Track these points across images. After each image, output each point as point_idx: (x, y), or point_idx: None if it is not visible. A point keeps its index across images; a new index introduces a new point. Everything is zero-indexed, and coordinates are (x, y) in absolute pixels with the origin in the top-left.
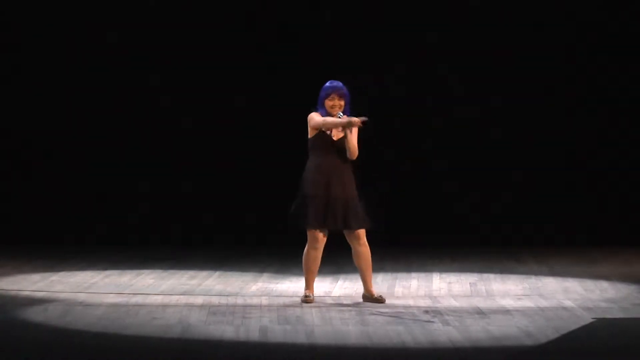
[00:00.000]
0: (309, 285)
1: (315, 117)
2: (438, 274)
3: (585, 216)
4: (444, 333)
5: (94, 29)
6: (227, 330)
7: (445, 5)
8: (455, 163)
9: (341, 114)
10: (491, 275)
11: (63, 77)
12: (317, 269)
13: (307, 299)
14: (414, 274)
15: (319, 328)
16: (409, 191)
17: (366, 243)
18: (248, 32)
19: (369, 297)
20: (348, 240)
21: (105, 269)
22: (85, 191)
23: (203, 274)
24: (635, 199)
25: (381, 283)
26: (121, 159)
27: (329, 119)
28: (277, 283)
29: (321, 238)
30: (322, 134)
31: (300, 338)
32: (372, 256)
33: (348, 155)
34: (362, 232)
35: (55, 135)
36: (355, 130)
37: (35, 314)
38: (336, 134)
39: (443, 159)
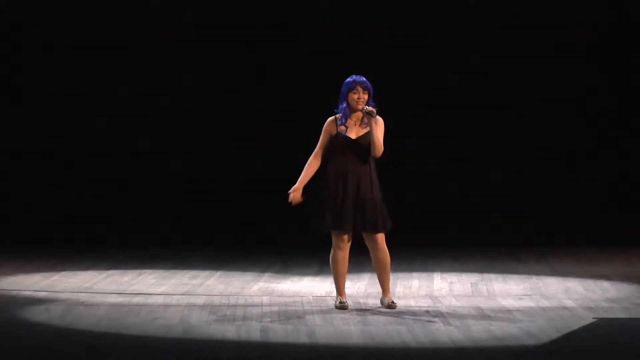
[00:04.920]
0: (340, 291)
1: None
2: (439, 273)
3: (586, 216)
4: (446, 333)
5: (94, 29)
6: (228, 330)
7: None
8: (457, 163)
9: (366, 107)
10: (492, 275)
11: (61, 76)
12: (346, 271)
13: (342, 305)
14: (415, 274)
15: (320, 328)
16: (409, 190)
17: (385, 247)
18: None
19: (384, 302)
20: (366, 243)
21: (107, 269)
22: (86, 191)
23: (204, 273)
24: (635, 198)
25: None
26: (122, 159)
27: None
28: (279, 283)
29: (347, 238)
30: (337, 135)
31: (302, 338)
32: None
33: (372, 152)
34: (381, 236)
35: (57, 135)
36: (380, 127)
37: (36, 314)
38: (355, 132)
39: (445, 158)
